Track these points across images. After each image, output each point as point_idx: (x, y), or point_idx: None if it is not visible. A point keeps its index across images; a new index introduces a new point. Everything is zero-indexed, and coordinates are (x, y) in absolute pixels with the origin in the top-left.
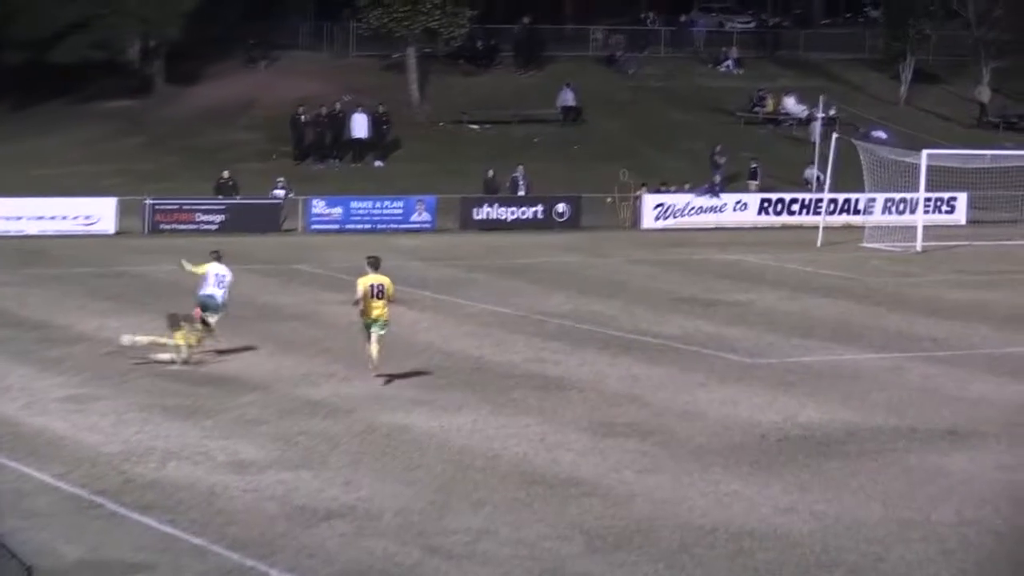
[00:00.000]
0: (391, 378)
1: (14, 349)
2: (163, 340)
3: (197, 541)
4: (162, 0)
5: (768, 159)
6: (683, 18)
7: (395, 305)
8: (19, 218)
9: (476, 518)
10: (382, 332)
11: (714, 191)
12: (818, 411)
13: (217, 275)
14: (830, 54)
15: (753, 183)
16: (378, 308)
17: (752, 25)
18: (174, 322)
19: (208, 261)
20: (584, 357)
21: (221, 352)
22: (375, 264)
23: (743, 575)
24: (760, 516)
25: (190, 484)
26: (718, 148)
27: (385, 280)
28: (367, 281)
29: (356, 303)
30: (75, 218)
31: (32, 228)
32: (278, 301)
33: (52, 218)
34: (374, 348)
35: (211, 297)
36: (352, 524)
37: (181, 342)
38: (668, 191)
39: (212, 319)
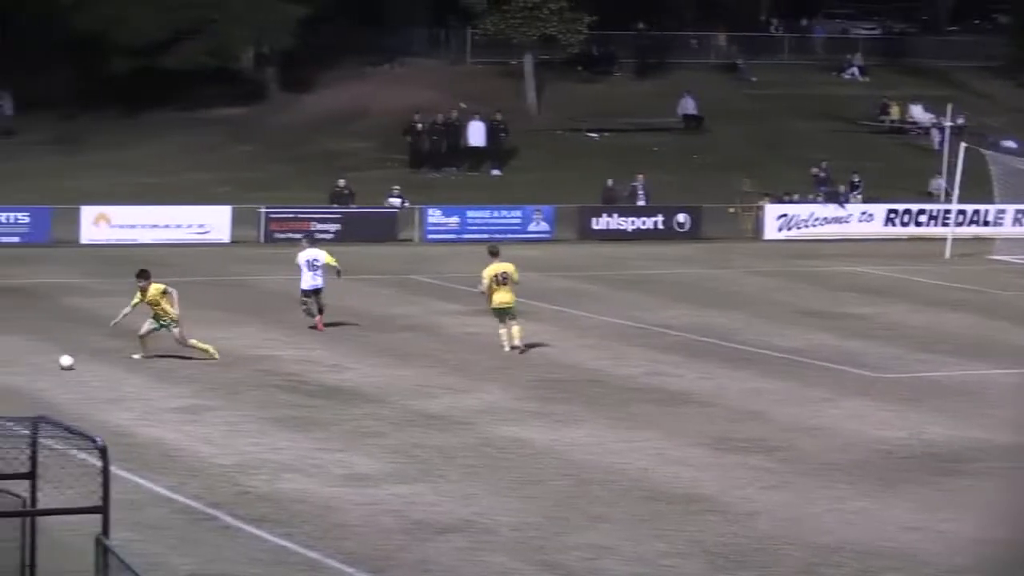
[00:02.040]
0: (524, 349)
1: (127, 360)
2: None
3: (312, 555)
4: (275, 7)
5: (894, 169)
6: (805, 23)
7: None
8: (132, 227)
9: (595, 534)
10: (513, 316)
11: (840, 201)
12: (945, 427)
13: (308, 261)
14: (957, 61)
15: (855, 195)
16: (506, 294)
17: (877, 31)
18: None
19: (302, 249)
20: (705, 370)
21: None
22: (496, 252)
23: None
24: (886, 535)
25: (304, 497)
26: (823, 164)
27: (509, 267)
28: (492, 270)
29: (483, 292)
30: (188, 227)
31: (145, 237)
32: (393, 312)
33: (165, 227)
34: (515, 330)
35: (315, 288)
36: (469, 539)
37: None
38: (792, 201)
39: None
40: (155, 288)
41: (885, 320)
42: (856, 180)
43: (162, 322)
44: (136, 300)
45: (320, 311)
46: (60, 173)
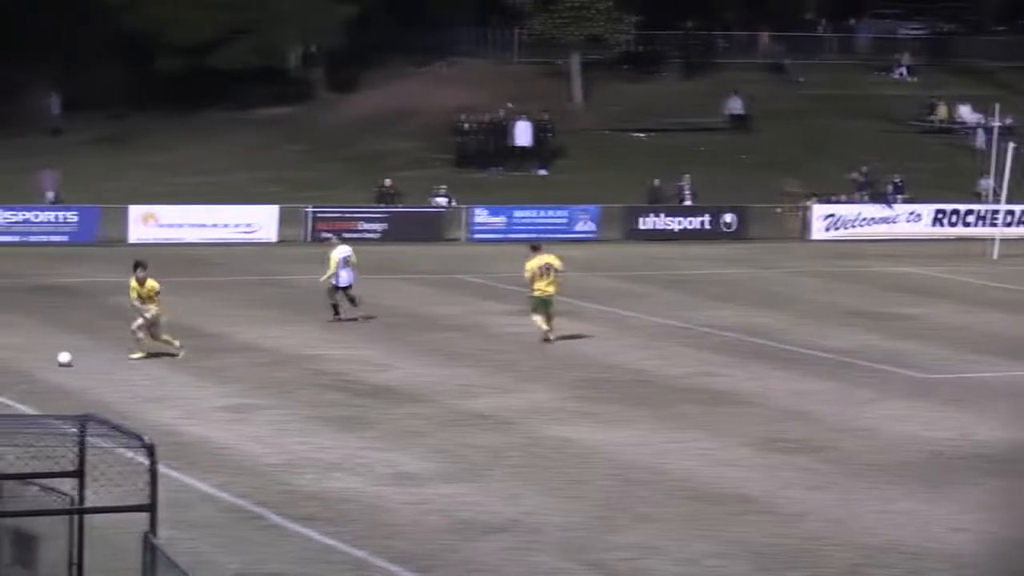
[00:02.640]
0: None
1: (174, 359)
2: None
3: (358, 554)
4: (322, 6)
5: (941, 170)
6: (852, 23)
7: (558, 317)
8: (180, 226)
9: (640, 534)
10: (551, 307)
11: (887, 201)
12: (993, 428)
13: (343, 259)
14: (1004, 61)
15: (898, 197)
16: (549, 284)
17: (924, 31)
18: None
19: (334, 247)
20: (751, 371)
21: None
22: (538, 247)
23: None
24: (933, 535)
25: (351, 496)
26: (863, 169)
27: (551, 258)
28: (535, 263)
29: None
30: (235, 226)
31: (192, 236)
32: (439, 311)
33: (213, 226)
34: (553, 322)
35: (349, 284)
36: (515, 538)
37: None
38: (839, 201)
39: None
40: (152, 284)
41: (932, 321)
42: (898, 181)
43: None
44: (134, 294)
45: (354, 302)
46: (108, 173)
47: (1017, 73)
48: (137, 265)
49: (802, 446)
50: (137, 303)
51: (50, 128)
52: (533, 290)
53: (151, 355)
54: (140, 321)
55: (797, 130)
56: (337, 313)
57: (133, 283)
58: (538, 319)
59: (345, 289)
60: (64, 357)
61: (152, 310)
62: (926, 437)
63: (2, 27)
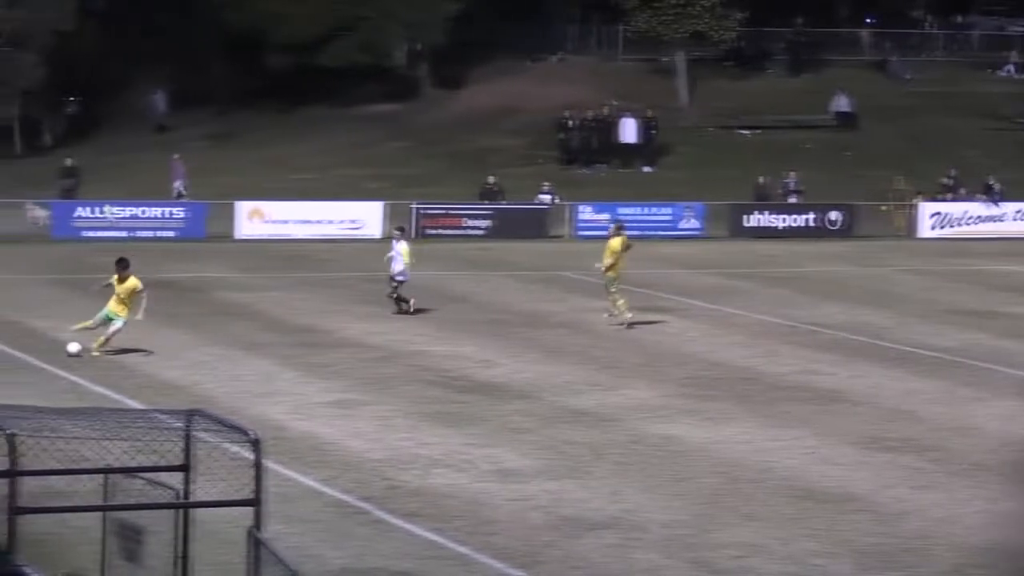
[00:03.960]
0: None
1: (280, 353)
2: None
3: (462, 550)
4: (428, 4)
5: None
6: (959, 19)
7: (663, 314)
8: (285, 222)
9: (744, 532)
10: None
11: (993, 199)
12: None
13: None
14: None
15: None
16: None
17: None
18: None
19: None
20: (857, 369)
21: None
22: (623, 226)
23: None
24: None
25: (454, 492)
26: (952, 172)
27: (612, 241)
28: (620, 242)
29: (608, 267)
30: (341, 222)
31: (298, 232)
32: (543, 308)
33: (318, 222)
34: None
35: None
36: (618, 536)
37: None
38: (946, 199)
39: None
40: (132, 282)
41: None
42: (991, 183)
43: (111, 315)
44: (110, 284)
45: (401, 300)
46: (215, 169)
47: None
48: (120, 261)
49: (906, 445)
50: (117, 305)
51: (155, 125)
52: (615, 269)
53: (133, 350)
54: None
55: (903, 128)
56: (406, 304)
57: (115, 281)
58: (623, 303)
59: (401, 282)
60: (73, 347)
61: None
62: None
63: (113, 26)
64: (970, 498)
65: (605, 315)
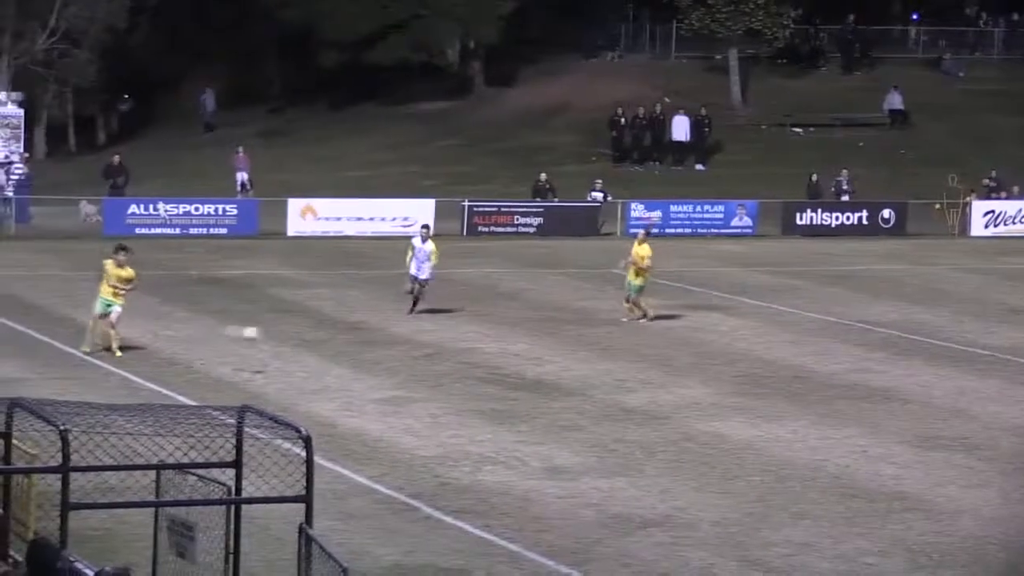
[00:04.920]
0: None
1: (331, 350)
2: None
3: (512, 547)
4: (482, 2)
5: None
6: (1015, 17)
7: (714, 312)
8: (338, 219)
9: (795, 531)
10: (631, 291)
11: None
12: None
13: (425, 252)
14: None
15: None
16: (633, 273)
17: None
18: None
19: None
20: (910, 368)
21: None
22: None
23: None
24: None
25: (505, 489)
26: (993, 174)
27: (643, 249)
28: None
29: (626, 265)
30: (392, 219)
31: (350, 229)
32: (594, 306)
33: (370, 219)
34: (626, 306)
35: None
36: (669, 533)
37: None
38: (999, 198)
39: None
40: (130, 271)
41: None
42: None
43: (108, 303)
44: (112, 279)
45: (415, 302)
46: (268, 166)
47: None
48: (121, 248)
49: (959, 444)
50: (110, 291)
51: (203, 124)
52: (645, 277)
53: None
54: (115, 315)
55: (957, 126)
56: (415, 305)
57: (111, 267)
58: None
59: (423, 283)
60: (249, 332)
61: (103, 306)
62: None
63: (167, 23)
64: (1023, 497)
65: (642, 319)
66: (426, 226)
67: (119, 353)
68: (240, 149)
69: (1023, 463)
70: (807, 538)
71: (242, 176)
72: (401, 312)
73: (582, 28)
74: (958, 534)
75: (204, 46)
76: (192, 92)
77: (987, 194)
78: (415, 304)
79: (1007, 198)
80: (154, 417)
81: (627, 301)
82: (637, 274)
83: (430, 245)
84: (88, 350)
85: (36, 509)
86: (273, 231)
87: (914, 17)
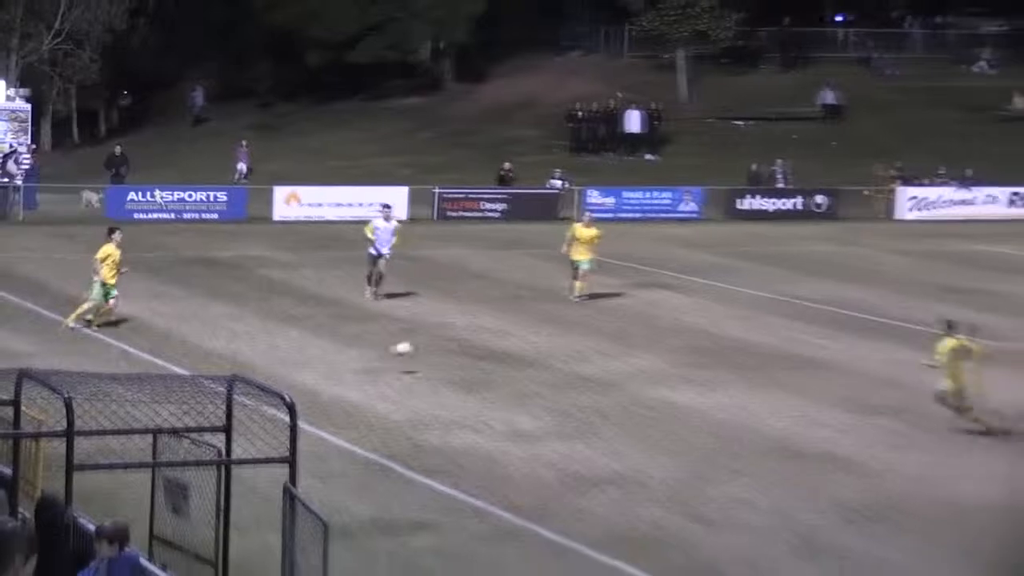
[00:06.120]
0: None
1: (314, 325)
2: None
3: (477, 503)
4: (451, 5)
5: (1019, 155)
6: (939, 20)
7: (663, 290)
8: (319, 205)
9: (736, 488)
10: (587, 267)
11: (966, 184)
12: None
13: (388, 231)
14: None
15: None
16: (583, 251)
17: (1005, 28)
18: None
19: (388, 219)
20: (843, 340)
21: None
22: (586, 222)
23: (986, 548)
24: (1013, 493)
25: (472, 451)
26: (898, 164)
27: (593, 231)
28: (574, 231)
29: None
30: (370, 205)
31: (330, 214)
32: (554, 284)
33: (349, 205)
34: (579, 284)
35: (380, 256)
36: (621, 491)
37: None
38: (923, 184)
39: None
40: (119, 255)
41: (1009, 294)
42: (970, 174)
43: (109, 290)
44: (113, 259)
45: (379, 280)
46: (257, 157)
47: None
48: (116, 230)
49: (889, 409)
50: (112, 277)
51: (193, 118)
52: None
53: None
54: (114, 301)
55: (885, 119)
56: (372, 285)
57: (113, 249)
58: (576, 283)
59: (379, 259)
60: (404, 347)
61: (99, 295)
62: (1004, 402)
63: (164, 25)
64: (945, 458)
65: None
66: (388, 206)
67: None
68: (244, 142)
69: (946, 427)
70: (746, 495)
71: (242, 166)
72: (376, 294)
73: (545, 30)
74: (885, 492)
75: (198, 46)
76: (187, 89)
77: (895, 182)
78: (378, 284)
79: (930, 184)
80: (151, 386)
81: (574, 279)
82: (584, 253)
83: (393, 224)
84: (73, 326)
85: (43, 470)
86: (260, 216)
87: (838, 19)
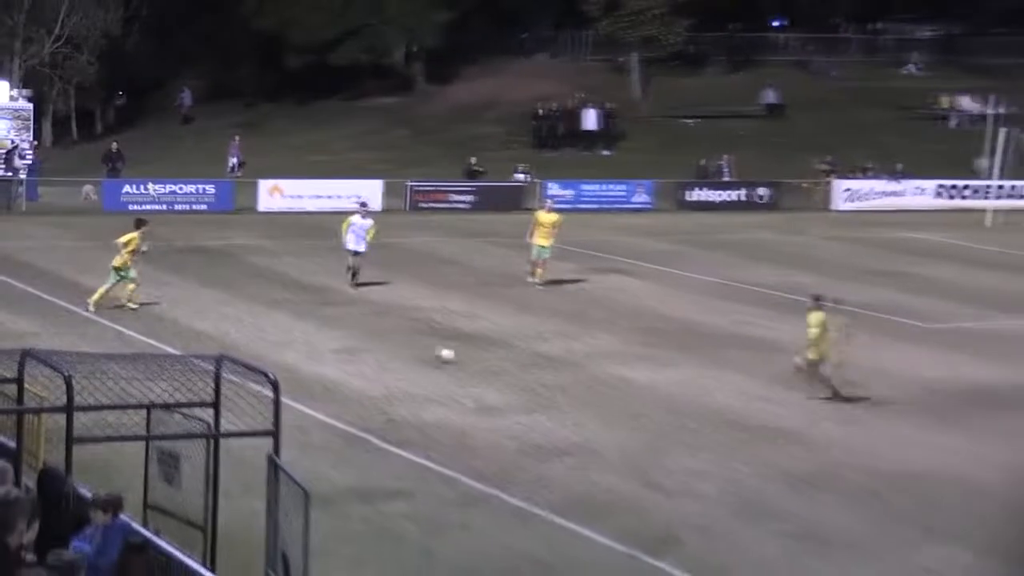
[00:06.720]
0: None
1: (296, 309)
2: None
3: (447, 472)
4: (423, 11)
5: (945, 150)
6: (872, 26)
7: (619, 275)
8: (300, 197)
9: (689, 459)
10: (546, 255)
11: (896, 177)
12: (986, 370)
13: (362, 228)
14: (1007, 59)
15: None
16: (544, 238)
17: (936, 33)
18: None
19: (363, 217)
20: (787, 322)
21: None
22: (548, 208)
23: (922, 512)
24: (940, 461)
25: (442, 424)
26: (828, 158)
27: (555, 217)
28: (556, 219)
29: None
30: (347, 197)
31: (310, 206)
32: (519, 270)
33: (328, 197)
34: (539, 271)
35: (357, 253)
36: (580, 460)
37: None
38: (861, 177)
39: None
40: (137, 243)
41: (936, 278)
42: (900, 168)
43: (123, 273)
44: (133, 244)
45: (355, 273)
46: (243, 153)
47: (1015, 69)
48: (144, 223)
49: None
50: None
51: (181, 117)
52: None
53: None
54: (111, 280)
55: (823, 117)
56: (351, 278)
57: (135, 236)
58: (539, 269)
59: (361, 255)
60: (448, 353)
61: (116, 277)
62: (929, 376)
63: (156, 31)
64: (882, 430)
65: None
66: (364, 203)
67: (134, 306)
68: (236, 138)
69: (881, 400)
70: (698, 465)
71: (234, 160)
72: (354, 285)
73: (511, 35)
74: (830, 463)
75: (188, 50)
76: (178, 90)
77: (825, 175)
78: (355, 276)
79: (860, 177)
80: (145, 365)
81: (534, 264)
82: (546, 239)
83: (368, 221)
84: (93, 309)
85: (45, 443)
86: (246, 207)
87: (775, 24)
